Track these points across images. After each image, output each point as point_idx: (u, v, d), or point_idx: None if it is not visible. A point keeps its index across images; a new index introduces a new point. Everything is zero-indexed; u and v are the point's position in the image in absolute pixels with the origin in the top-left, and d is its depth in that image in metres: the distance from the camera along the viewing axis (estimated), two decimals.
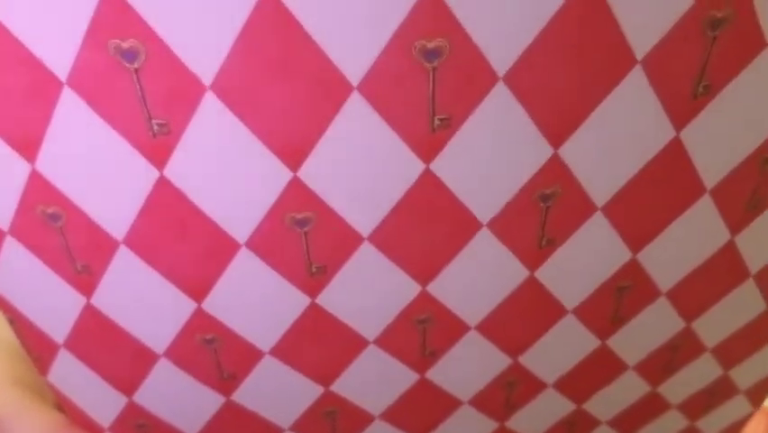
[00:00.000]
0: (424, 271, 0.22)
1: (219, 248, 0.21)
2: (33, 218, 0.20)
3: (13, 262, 0.22)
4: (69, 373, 0.25)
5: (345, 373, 0.24)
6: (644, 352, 0.28)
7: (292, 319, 0.23)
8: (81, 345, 0.24)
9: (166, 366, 0.24)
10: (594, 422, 0.30)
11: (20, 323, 0.23)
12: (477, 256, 0.22)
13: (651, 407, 0.31)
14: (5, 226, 0.21)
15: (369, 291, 0.22)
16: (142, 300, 0.22)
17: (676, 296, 0.25)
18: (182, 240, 0.20)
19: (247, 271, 0.21)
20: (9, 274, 0.22)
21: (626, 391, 0.29)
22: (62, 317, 0.23)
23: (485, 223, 0.21)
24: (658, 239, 0.23)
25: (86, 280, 0.22)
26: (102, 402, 0.25)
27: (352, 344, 0.24)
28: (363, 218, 0.20)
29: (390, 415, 0.26)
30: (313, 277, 0.21)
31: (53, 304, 0.23)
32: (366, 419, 0.26)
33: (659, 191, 0.22)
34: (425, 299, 0.23)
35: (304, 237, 0.20)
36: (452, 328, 0.24)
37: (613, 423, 0.31)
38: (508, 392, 0.27)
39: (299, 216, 0.20)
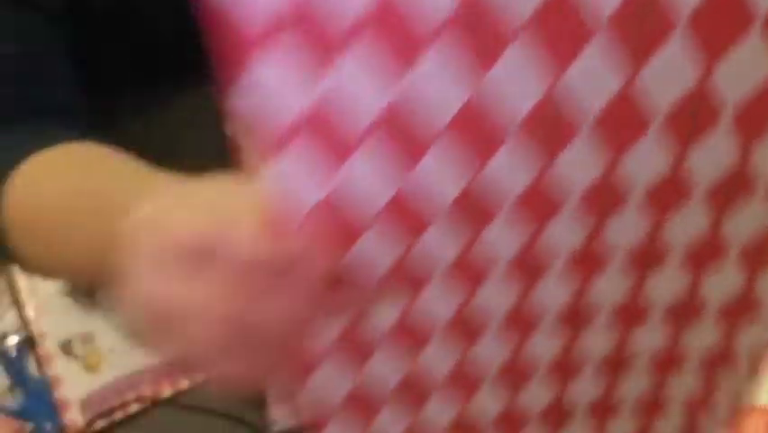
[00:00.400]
0: None
1: None
2: None
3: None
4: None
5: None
6: (708, 178, 0.30)
7: None
8: None
9: None
10: (666, 253, 0.33)
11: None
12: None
13: (712, 249, 0.34)
14: None
15: None
16: None
17: (736, 120, 0.28)
18: None
19: None
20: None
21: (693, 220, 0.32)
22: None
23: None
24: (724, 59, 0.26)
25: None
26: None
27: None
28: None
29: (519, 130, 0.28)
30: None
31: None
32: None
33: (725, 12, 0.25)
34: None
35: None
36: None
37: (683, 260, 0.34)
38: None
39: None
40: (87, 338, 0.70)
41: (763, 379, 0.62)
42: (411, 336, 0.33)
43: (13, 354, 0.70)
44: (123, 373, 0.69)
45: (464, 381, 0.36)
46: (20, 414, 0.68)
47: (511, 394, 0.38)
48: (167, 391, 0.68)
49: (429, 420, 0.37)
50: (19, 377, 0.69)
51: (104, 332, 0.71)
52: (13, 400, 0.69)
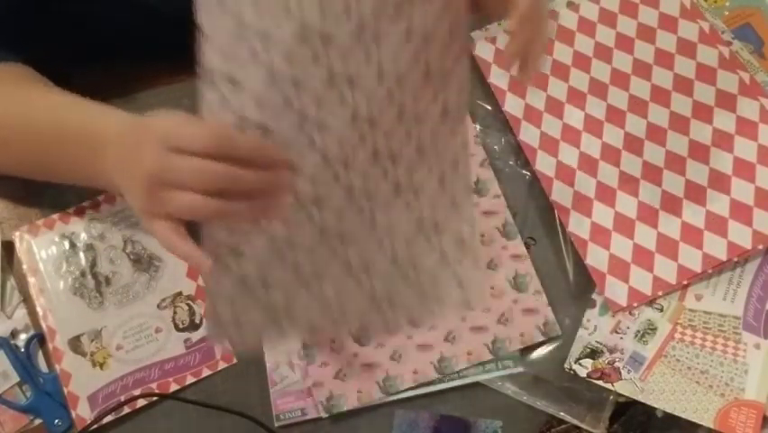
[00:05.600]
0: None
1: None
2: None
3: None
4: None
5: None
6: None
7: None
8: None
9: None
10: None
11: None
12: None
13: None
14: None
15: None
16: None
17: None
18: None
19: None
20: None
21: None
22: None
23: None
24: None
25: None
26: None
27: None
28: None
29: None
30: None
31: None
32: None
33: None
34: None
35: None
36: None
37: None
38: None
39: None
40: (96, 335, 0.72)
41: (752, 374, 0.64)
42: None
43: (23, 350, 0.71)
44: (130, 369, 0.71)
45: None
46: (30, 410, 0.69)
47: None
48: (173, 387, 0.70)
49: None
50: (29, 373, 0.70)
51: (112, 329, 0.72)
52: (23, 396, 0.70)
